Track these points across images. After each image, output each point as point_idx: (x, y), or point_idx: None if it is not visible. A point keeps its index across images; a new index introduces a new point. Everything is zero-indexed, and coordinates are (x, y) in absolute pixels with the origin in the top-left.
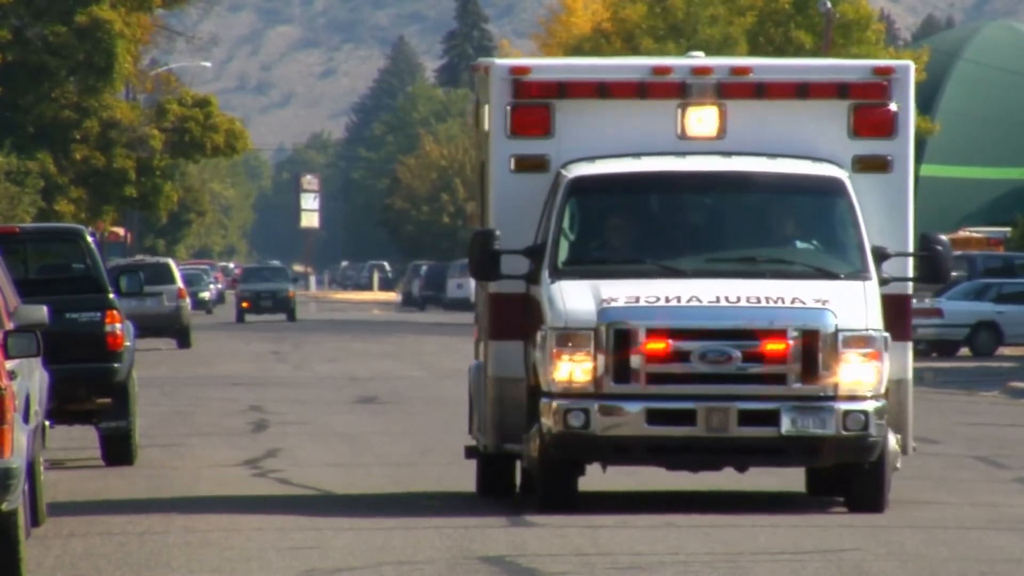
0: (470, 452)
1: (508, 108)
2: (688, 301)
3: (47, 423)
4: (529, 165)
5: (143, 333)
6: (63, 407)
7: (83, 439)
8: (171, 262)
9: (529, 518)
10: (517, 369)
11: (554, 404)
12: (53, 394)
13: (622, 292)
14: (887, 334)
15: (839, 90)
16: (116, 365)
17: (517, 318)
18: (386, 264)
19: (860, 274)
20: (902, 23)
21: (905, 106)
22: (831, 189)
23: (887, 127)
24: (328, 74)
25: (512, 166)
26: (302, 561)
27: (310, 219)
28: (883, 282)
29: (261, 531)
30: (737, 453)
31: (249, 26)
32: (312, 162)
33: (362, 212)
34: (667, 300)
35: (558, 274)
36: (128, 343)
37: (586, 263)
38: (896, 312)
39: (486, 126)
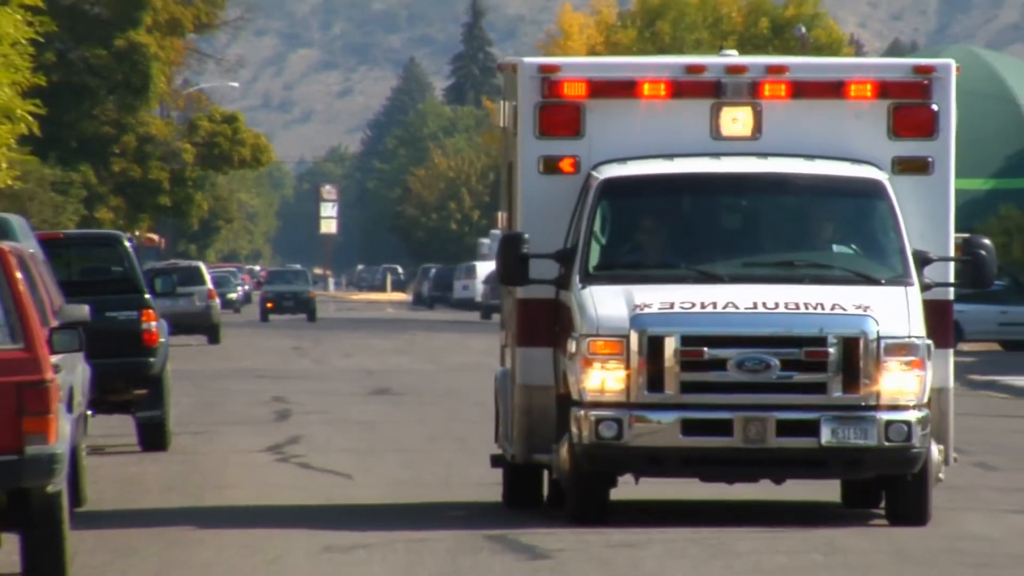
0: (496, 461)
1: (536, 108)
2: (724, 307)
3: (89, 412)
4: (558, 167)
5: (176, 330)
6: (103, 398)
7: (121, 427)
8: (202, 265)
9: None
10: (546, 377)
11: (585, 414)
12: (94, 386)
13: (656, 298)
14: (930, 341)
15: (878, 89)
16: (151, 359)
17: (546, 324)
18: (398, 267)
19: (902, 279)
20: (870, 47)
21: (946, 106)
22: (871, 191)
23: (928, 127)
24: (345, 93)
25: (540, 167)
26: (321, 538)
27: (328, 226)
28: (925, 287)
29: (284, 511)
30: (775, 465)
31: (273, 49)
32: (330, 173)
33: (376, 219)
34: (702, 306)
35: (589, 279)
36: (162, 339)
37: (618, 268)
38: (938, 319)
39: (513, 126)
